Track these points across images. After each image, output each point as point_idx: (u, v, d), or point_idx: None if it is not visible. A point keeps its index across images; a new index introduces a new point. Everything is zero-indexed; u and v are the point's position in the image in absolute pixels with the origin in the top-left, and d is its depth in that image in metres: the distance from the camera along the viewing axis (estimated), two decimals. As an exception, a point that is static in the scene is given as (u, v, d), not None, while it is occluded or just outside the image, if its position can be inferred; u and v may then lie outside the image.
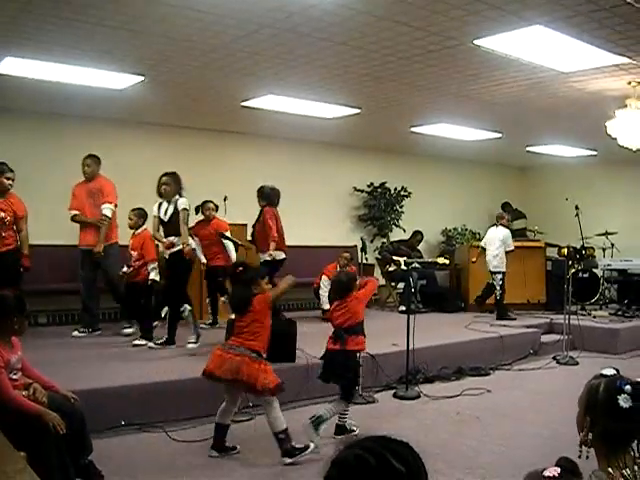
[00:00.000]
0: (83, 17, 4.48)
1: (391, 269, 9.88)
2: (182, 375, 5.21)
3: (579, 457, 1.78)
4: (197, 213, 7.47)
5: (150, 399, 4.86)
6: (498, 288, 8.79)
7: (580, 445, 1.85)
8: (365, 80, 6.24)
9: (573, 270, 9.34)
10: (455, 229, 11.92)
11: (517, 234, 10.34)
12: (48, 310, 7.64)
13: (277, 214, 7.28)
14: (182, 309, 6.36)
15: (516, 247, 9.19)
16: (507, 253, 8.83)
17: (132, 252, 6.58)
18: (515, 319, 8.72)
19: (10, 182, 6.21)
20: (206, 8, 4.30)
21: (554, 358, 7.62)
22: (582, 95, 6.55)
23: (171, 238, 6.28)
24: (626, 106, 6.21)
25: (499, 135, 9.15)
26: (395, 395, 5.86)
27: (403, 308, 8.93)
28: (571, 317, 7.89)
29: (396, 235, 10.88)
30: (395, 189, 10.95)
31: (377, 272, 10.45)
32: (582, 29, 4.52)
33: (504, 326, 8.13)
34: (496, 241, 8.87)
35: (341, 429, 4.71)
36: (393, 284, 10.23)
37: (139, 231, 6.61)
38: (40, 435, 3.17)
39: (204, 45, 5.16)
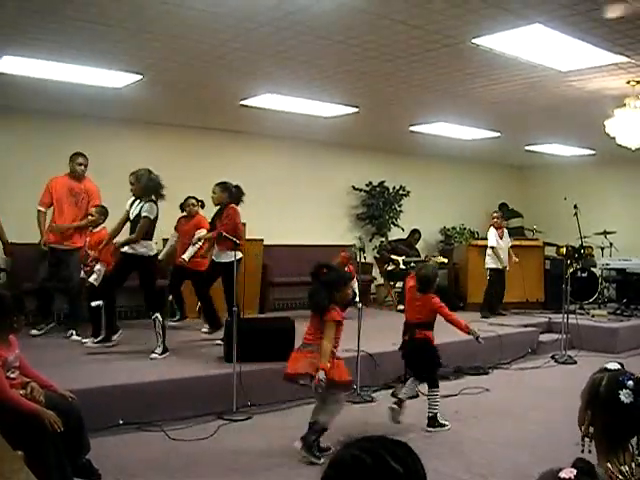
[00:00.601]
0: (81, 15, 4.46)
1: (390, 268, 9.91)
2: (180, 374, 5.20)
3: (582, 452, 1.78)
4: (182, 211, 7.42)
5: (148, 398, 4.85)
6: (488, 284, 8.89)
7: (582, 438, 1.84)
8: (363, 79, 6.23)
9: (572, 269, 9.38)
10: (453, 228, 11.92)
11: (514, 232, 10.37)
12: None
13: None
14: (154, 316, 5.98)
15: (514, 246, 9.30)
16: (493, 249, 8.90)
17: (89, 251, 6.40)
18: (504, 315, 8.85)
19: None
20: (204, 7, 4.29)
21: (552, 357, 7.63)
22: (581, 94, 6.54)
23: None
24: (625, 105, 6.20)
25: (497, 134, 9.15)
26: (393, 394, 5.85)
27: (402, 307, 8.92)
28: (570, 316, 7.89)
29: (394, 234, 10.89)
30: (393, 188, 10.95)
31: (375, 271, 10.47)
32: (581, 28, 4.51)
33: (502, 325, 8.13)
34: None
35: (432, 421, 4.92)
36: (392, 283, 10.22)
37: (98, 229, 6.46)
38: (38, 434, 3.16)
39: (202, 44, 5.14)
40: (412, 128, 8.79)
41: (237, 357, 5.08)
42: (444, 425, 4.96)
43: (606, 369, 1.86)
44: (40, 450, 3.13)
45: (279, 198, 9.75)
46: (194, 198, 7.44)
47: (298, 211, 9.96)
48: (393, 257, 9.87)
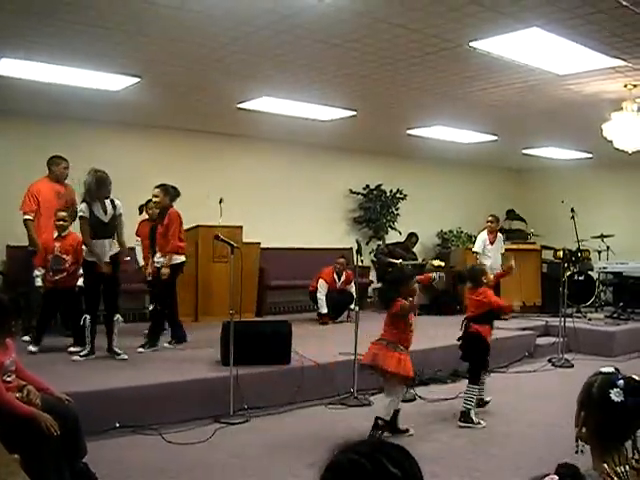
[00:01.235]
0: (80, 18, 4.46)
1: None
2: (176, 377, 5.19)
3: (576, 452, 1.81)
4: (140, 213, 7.29)
5: (144, 401, 4.84)
6: None
7: (576, 439, 1.86)
8: (361, 82, 6.23)
9: (569, 273, 9.37)
10: (451, 231, 11.93)
11: (514, 236, 10.40)
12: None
13: None
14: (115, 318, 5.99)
15: (512, 250, 9.28)
16: (476, 254, 9.08)
17: (64, 256, 6.19)
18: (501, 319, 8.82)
19: None
20: (202, 10, 4.29)
21: (549, 361, 7.63)
22: (578, 97, 6.56)
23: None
24: (622, 109, 6.22)
25: (495, 138, 9.16)
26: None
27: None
28: (567, 320, 7.89)
29: (392, 237, 10.89)
30: (391, 191, 10.95)
31: (372, 275, 10.46)
32: (578, 31, 4.52)
33: (499, 328, 8.11)
34: None
35: (464, 416, 5.02)
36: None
37: (66, 232, 6.30)
38: (34, 438, 3.14)
39: (201, 47, 5.15)
40: (410, 131, 8.81)
41: (234, 360, 5.06)
42: (476, 423, 5.02)
43: (601, 373, 1.87)
44: (37, 454, 3.12)
45: (276, 201, 9.75)
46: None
47: (295, 214, 9.96)
48: (391, 261, 9.87)
